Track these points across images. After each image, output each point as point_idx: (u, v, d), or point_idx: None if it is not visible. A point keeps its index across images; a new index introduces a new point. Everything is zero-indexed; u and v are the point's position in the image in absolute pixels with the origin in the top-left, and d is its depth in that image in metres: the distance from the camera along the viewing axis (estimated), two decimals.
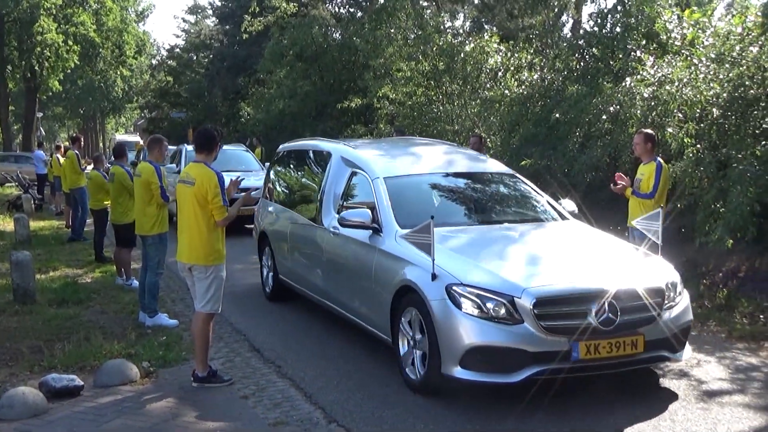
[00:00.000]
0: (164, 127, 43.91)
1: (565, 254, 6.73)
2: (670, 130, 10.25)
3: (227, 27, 40.84)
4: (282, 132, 24.26)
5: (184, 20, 52.64)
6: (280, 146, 10.96)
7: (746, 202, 8.73)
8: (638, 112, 11.18)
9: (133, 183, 9.39)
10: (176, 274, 9.55)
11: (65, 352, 7.36)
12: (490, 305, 5.81)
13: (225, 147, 18.71)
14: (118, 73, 45.33)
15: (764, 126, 9.92)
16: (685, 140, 10.10)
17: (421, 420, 5.82)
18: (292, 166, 10.34)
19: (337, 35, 25.92)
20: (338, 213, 7.89)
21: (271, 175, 10.66)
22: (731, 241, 8.81)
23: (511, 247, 6.94)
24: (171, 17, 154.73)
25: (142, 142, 33.35)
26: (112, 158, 11.93)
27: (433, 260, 6.05)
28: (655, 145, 8.82)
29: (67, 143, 23.39)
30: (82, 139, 20.52)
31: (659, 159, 8.70)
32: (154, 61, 53.72)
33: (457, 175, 8.30)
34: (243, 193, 7.21)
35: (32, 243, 15.07)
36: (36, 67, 36.46)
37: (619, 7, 14.59)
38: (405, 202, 7.45)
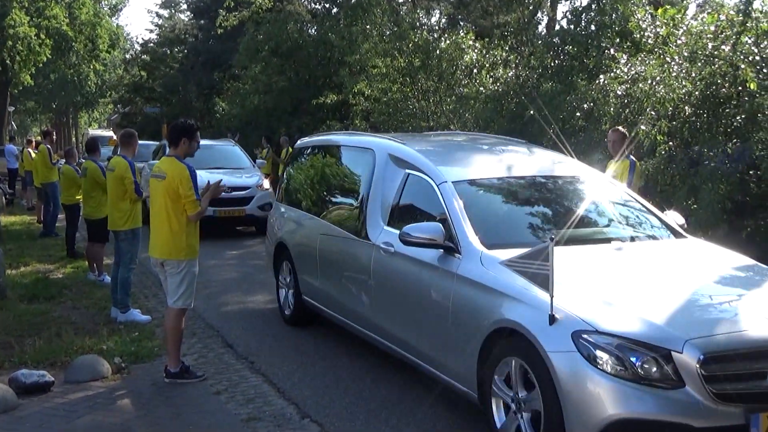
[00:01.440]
0: (138, 122, 43.58)
1: (717, 289, 5.22)
2: (643, 127, 10.32)
3: (202, 22, 40.61)
4: (257, 128, 24.17)
5: (158, 14, 52.26)
6: (300, 141, 9.63)
7: (717, 199, 8.82)
8: (612, 109, 11.27)
9: (105, 178, 9.30)
10: (149, 270, 9.48)
11: (36, 348, 7.28)
12: (637, 362, 4.33)
13: (211, 142, 18.23)
14: (91, 67, 44.84)
15: (736, 124, 10.03)
16: (658, 138, 10.18)
17: (395, 414, 5.82)
18: (317, 164, 8.59)
19: (313, 31, 25.85)
20: (389, 225, 6.46)
21: (289, 175, 9.26)
22: (702, 238, 8.90)
23: (642, 277, 5.28)
24: (144, 11, 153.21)
25: (115, 137, 33.09)
26: (85, 153, 11.80)
27: (552, 297, 4.57)
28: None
29: (39, 138, 23.11)
30: (54, 133, 20.30)
31: (632, 157, 8.83)
32: (127, 56, 53.29)
33: (543, 179, 6.61)
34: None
35: (3, 238, 14.87)
36: (7, 61, 36.01)
37: (593, 6, 14.67)
38: (484, 214, 5.98)
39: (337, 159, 8.29)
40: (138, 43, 55.52)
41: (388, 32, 19.41)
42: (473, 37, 18.19)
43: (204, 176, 13.66)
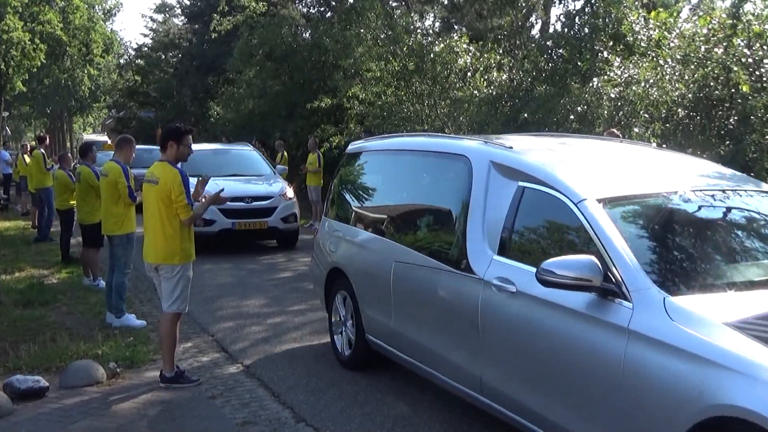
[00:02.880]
0: (132, 126, 43.56)
1: None
2: (636, 130, 10.38)
3: (196, 26, 40.57)
4: (252, 132, 24.17)
5: (152, 19, 52.21)
6: (352, 145, 8.05)
7: None
8: (605, 112, 11.32)
9: (99, 183, 9.29)
10: (144, 275, 9.47)
11: (30, 353, 7.27)
12: None
13: (227, 147, 17.56)
14: (86, 71, 44.81)
15: (729, 126, 10.07)
16: (652, 140, 10.22)
17: (390, 418, 5.83)
18: (384, 173, 7.21)
19: (307, 35, 25.87)
20: (502, 254, 5.02)
21: (340, 186, 7.80)
22: None
23: None
24: (139, 16, 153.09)
25: (110, 142, 33.05)
26: (79, 158, 11.80)
27: None
28: None
29: (33, 143, 23.08)
30: (48, 138, 20.29)
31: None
32: (122, 60, 53.24)
33: (725, 192, 5.05)
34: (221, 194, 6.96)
35: None
36: (2, 66, 35.97)
37: (586, 9, 14.73)
38: (653, 245, 4.55)
39: (413, 167, 6.61)
40: (132, 47, 55.50)
41: (382, 36, 19.42)
42: (467, 41, 18.23)
43: (220, 184, 13.26)
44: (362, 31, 20.03)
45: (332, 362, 7.28)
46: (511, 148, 5.48)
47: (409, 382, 6.49)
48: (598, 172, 5.10)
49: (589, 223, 4.44)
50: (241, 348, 7.82)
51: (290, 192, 14.60)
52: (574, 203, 4.60)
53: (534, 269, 4.37)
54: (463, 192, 5.51)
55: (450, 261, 5.45)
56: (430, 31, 23.15)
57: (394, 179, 6.96)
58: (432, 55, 17.56)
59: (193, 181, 6.67)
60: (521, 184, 5.08)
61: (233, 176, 14.55)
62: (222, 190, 6.98)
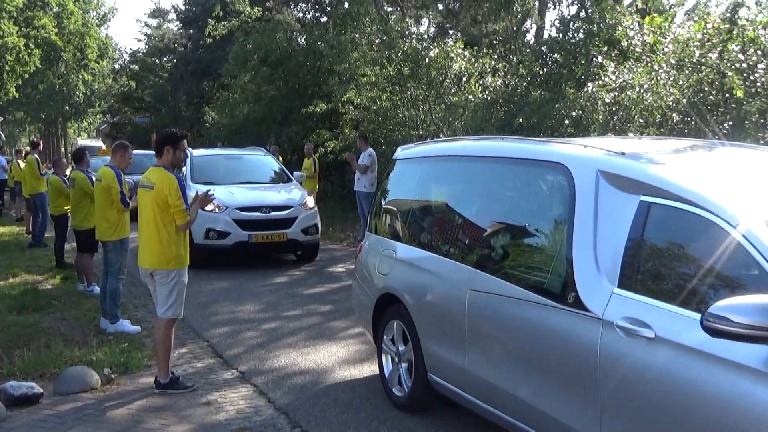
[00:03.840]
0: (127, 131, 43.49)
1: None
2: (631, 135, 10.38)
3: (191, 31, 40.57)
4: (246, 136, 24.15)
5: (147, 24, 52.19)
6: (403, 149, 6.94)
7: None
8: (600, 117, 11.33)
9: (93, 188, 9.26)
10: (139, 280, 9.44)
11: (24, 360, 7.24)
12: None
13: (240, 152, 16.31)
14: (80, 77, 44.74)
15: (723, 131, 10.09)
16: None
17: (386, 425, 5.81)
18: (447, 183, 6.11)
19: (302, 40, 25.87)
20: (625, 287, 4.01)
21: (388, 196, 6.88)
22: None
23: None
24: (134, 21, 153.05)
25: (105, 147, 33.00)
26: (73, 163, 11.76)
27: None
28: None
29: (28, 148, 23.05)
30: (42, 143, 20.24)
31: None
32: (116, 65, 53.18)
33: None
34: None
35: None
36: None
37: (581, 14, 14.76)
38: None
39: (489, 177, 5.50)
40: (127, 52, 55.37)
41: (377, 41, 19.45)
42: (462, 46, 18.26)
43: (235, 194, 12.88)
44: (357, 36, 20.06)
45: (327, 367, 7.26)
46: (623, 154, 4.40)
47: None
48: (747, 186, 4.03)
49: (761, 253, 3.42)
50: (236, 353, 7.80)
51: (311, 201, 13.57)
52: (732, 226, 3.57)
53: (679, 309, 3.63)
54: (562, 207, 4.49)
55: (549, 292, 4.39)
56: (425, 36, 23.16)
57: (465, 191, 5.78)
58: (427, 60, 17.58)
59: (198, 188, 6.59)
60: (645, 198, 4.04)
61: (247, 184, 13.83)
62: (209, 190, 6.88)
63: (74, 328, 8.74)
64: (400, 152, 6.91)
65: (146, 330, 8.44)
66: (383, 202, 6.89)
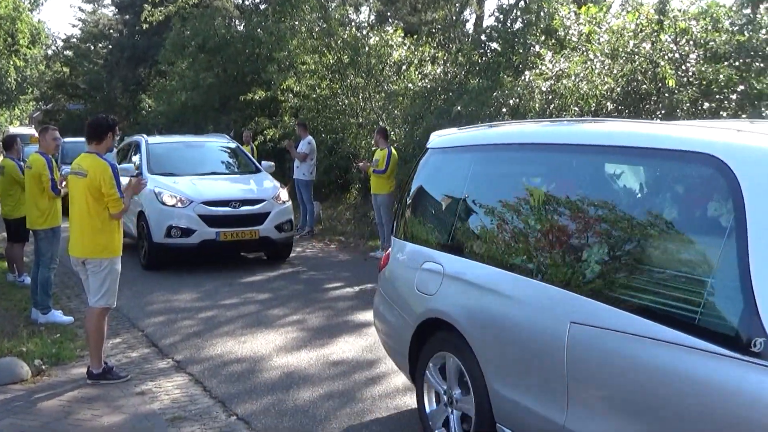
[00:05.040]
0: (61, 119, 42.43)
1: None
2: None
3: (126, 17, 39.74)
4: (184, 124, 23.79)
5: (81, 9, 50.94)
6: (440, 135, 5.59)
7: None
8: (537, 105, 11.45)
9: (24, 176, 9.01)
10: (71, 269, 9.22)
11: None
12: None
13: (202, 139, 14.80)
14: (11, 63, 43.48)
15: (656, 120, 10.29)
16: None
17: (323, 409, 5.80)
18: (519, 179, 4.56)
19: (241, 27, 25.54)
20: None
21: (424, 194, 5.54)
22: None
23: None
24: (67, 6, 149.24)
25: (37, 135, 32.16)
26: (3, 151, 11.41)
27: None
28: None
29: None
30: None
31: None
32: (49, 51, 51.83)
33: None
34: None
35: None
36: None
37: (520, 3, 14.89)
38: None
39: (590, 172, 4.15)
40: (60, 38, 53.99)
41: (316, 29, 19.32)
42: (402, 34, 18.25)
43: (199, 186, 11.66)
44: (296, 23, 19.88)
45: (265, 355, 7.21)
46: None
47: (342, 374, 6.48)
48: None
49: None
50: (171, 343, 7.69)
51: (284, 194, 12.35)
52: None
53: None
54: (717, 216, 3.26)
55: (711, 334, 3.08)
56: (365, 24, 23.10)
57: (553, 189, 4.24)
58: (367, 48, 17.53)
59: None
60: None
61: (212, 174, 12.66)
62: (139, 174, 6.62)
63: (4, 319, 8.49)
64: (437, 139, 5.51)
65: (79, 320, 8.25)
66: (416, 201, 5.54)
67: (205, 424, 5.53)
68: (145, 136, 13.87)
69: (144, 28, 28.41)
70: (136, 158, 12.90)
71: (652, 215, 3.60)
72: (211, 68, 24.09)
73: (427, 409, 5.01)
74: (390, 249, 5.72)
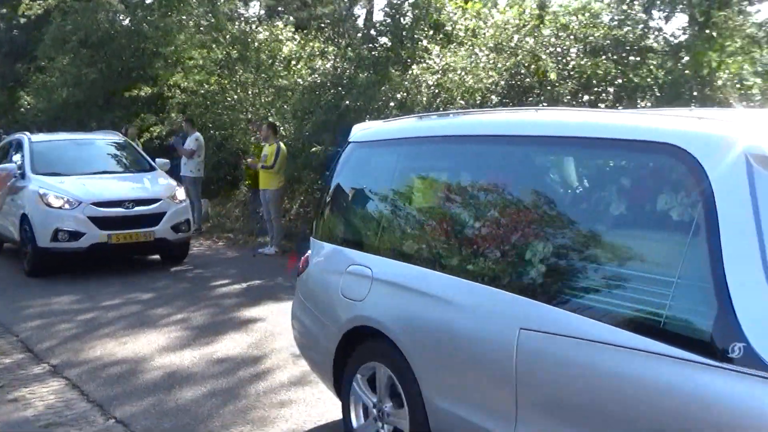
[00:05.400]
0: None
1: None
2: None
3: (3, 10, 38.03)
4: (66, 122, 22.91)
5: None
6: (362, 129, 5.15)
7: None
8: (424, 99, 11.53)
9: None
10: None
11: None
12: None
13: (91, 136, 13.94)
14: None
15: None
16: None
17: (205, 408, 5.65)
18: (461, 173, 4.24)
19: (126, 21, 24.79)
20: None
21: (350, 191, 5.16)
22: None
23: None
24: None
25: None
26: None
27: None
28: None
29: None
30: None
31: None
32: None
33: None
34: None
35: None
36: None
37: None
38: None
39: (535, 165, 3.88)
40: None
41: (204, 23, 18.93)
42: (292, 29, 18.09)
43: (89, 186, 11.01)
44: (184, 18, 19.44)
45: (146, 356, 6.98)
46: None
47: (224, 372, 6.34)
48: None
49: None
50: (48, 347, 7.35)
51: (181, 193, 11.84)
52: None
53: None
54: (681, 211, 2.96)
55: (679, 339, 2.79)
56: (255, 19, 22.79)
57: (490, 185, 3.91)
58: (256, 44, 17.29)
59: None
60: None
61: (103, 173, 11.95)
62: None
63: None
64: (360, 132, 5.07)
65: None
66: (338, 199, 5.16)
67: (81, 429, 5.30)
68: (27, 133, 12.99)
69: (22, 22, 27.21)
70: (17, 157, 12.08)
71: (606, 211, 3.33)
72: (94, 64, 23.29)
73: (354, 424, 4.55)
74: (308, 252, 5.23)
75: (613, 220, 3.29)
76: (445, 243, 4.09)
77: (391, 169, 4.67)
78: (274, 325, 7.93)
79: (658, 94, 10.76)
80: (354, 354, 4.54)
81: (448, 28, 13.42)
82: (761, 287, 2.61)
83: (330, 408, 5.46)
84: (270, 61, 17.35)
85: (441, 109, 11.12)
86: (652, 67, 11.22)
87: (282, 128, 14.56)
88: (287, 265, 10.18)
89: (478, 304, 3.70)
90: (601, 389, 3.03)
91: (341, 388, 4.67)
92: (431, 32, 13.76)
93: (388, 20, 14.93)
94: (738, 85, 10.65)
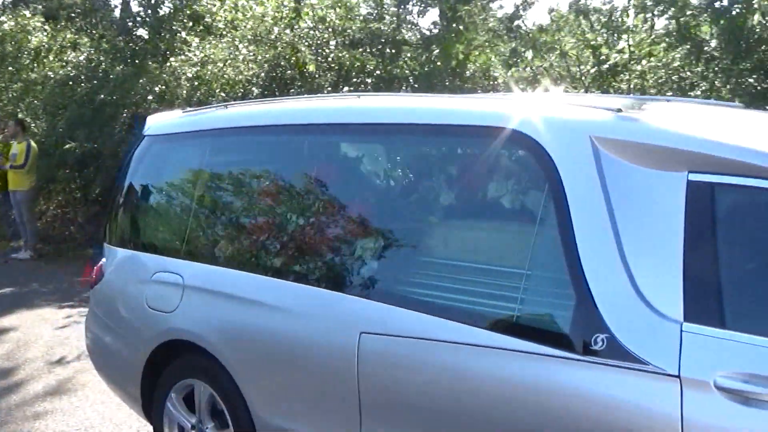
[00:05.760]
0: None
1: None
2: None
3: None
4: None
5: None
6: (157, 123, 4.51)
7: None
8: (184, 92, 11.30)
9: None
10: None
11: None
12: None
13: None
14: None
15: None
16: None
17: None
18: (284, 167, 3.76)
19: None
20: (705, 321, 2.36)
21: (150, 190, 4.55)
22: None
23: None
24: None
25: None
26: None
27: None
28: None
29: None
30: None
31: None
32: None
33: None
34: None
35: None
36: None
37: None
38: None
39: (370, 158, 3.59)
40: None
41: None
42: (42, 19, 16.98)
43: None
44: None
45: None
46: (620, 111, 2.73)
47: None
48: None
49: None
50: None
51: None
52: None
53: None
54: (527, 199, 2.90)
55: (534, 333, 2.64)
56: None
57: (313, 178, 3.58)
58: (1, 34, 16.10)
59: None
60: (700, 178, 2.48)
61: None
62: None
63: None
64: (157, 124, 4.47)
65: None
66: (134, 200, 4.55)
67: None
68: None
69: None
70: None
71: (445, 203, 3.16)
72: None
73: None
74: (102, 260, 4.60)
75: (454, 211, 3.14)
76: (269, 244, 3.64)
77: (197, 164, 4.15)
78: (27, 334, 7.46)
79: (415, 85, 11.24)
80: (166, 371, 4.01)
81: (208, 19, 13.22)
82: (619, 274, 2.50)
83: (90, 416, 5.24)
84: (17, 53, 16.21)
85: (201, 101, 10.94)
86: (407, 59, 11.68)
87: (33, 125, 13.67)
88: (81, 278, 9.59)
89: (313, 308, 3.31)
90: (451, 391, 2.79)
91: (152, 410, 4.12)
92: (190, 24, 13.51)
93: (148, 11, 14.49)
94: (485, 76, 11.38)
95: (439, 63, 11.06)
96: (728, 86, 8.99)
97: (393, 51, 11.62)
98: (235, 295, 3.63)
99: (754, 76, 9.23)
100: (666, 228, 2.49)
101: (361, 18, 11.88)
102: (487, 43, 11.62)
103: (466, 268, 2.93)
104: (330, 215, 3.43)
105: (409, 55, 11.96)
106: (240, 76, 10.87)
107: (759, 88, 8.94)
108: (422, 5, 12.42)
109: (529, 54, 10.31)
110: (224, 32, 12.67)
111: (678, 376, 2.32)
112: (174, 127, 4.38)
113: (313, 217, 3.48)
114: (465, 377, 2.74)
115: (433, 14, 12.50)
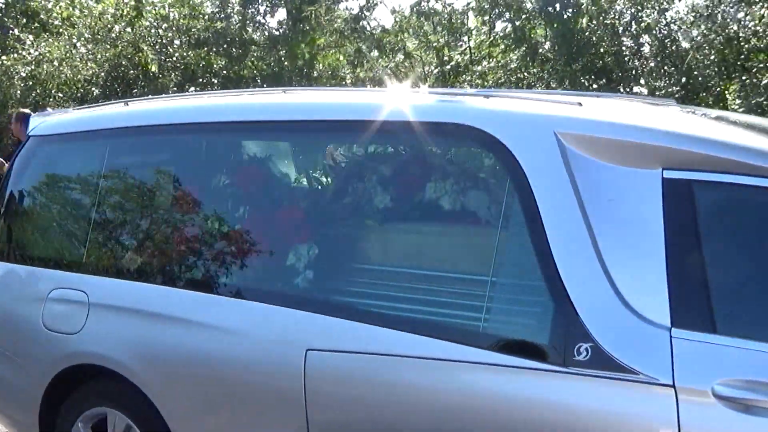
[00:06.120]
0: None
1: None
2: (50, 109, 10.09)
3: None
4: None
5: None
6: (45, 122, 3.74)
7: None
8: (18, 92, 10.79)
9: None
10: None
11: None
12: None
13: None
14: None
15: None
16: None
17: None
18: (184, 177, 3.40)
19: None
20: (697, 326, 2.19)
21: (40, 197, 3.91)
22: None
23: None
24: None
25: None
26: None
27: None
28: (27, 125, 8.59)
29: None
30: None
31: None
32: None
33: None
34: None
35: None
36: None
37: None
38: None
39: (284, 159, 3.39)
40: None
41: None
42: None
43: None
44: None
45: None
46: (580, 105, 2.60)
47: None
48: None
49: None
50: None
51: None
52: None
53: None
54: (492, 200, 2.64)
55: (506, 345, 2.42)
56: None
57: (226, 181, 3.30)
58: None
59: None
60: (676, 175, 2.35)
61: None
62: None
63: None
64: (45, 123, 3.81)
65: None
66: (19, 209, 3.95)
67: None
68: None
69: None
70: None
71: (395, 207, 2.84)
72: None
73: None
74: None
75: (407, 216, 2.85)
76: (190, 254, 3.24)
77: (96, 167, 3.62)
78: None
79: (263, 86, 11.18)
80: (70, 399, 3.50)
81: (43, 16, 12.67)
82: (599, 279, 2.30)
83: None
84: None
85: (38, 102, 10.47)
86: (254, 59, 11.61)
87: None
88: None
89: (251, 325, 2.91)
90: (412, 408, 2.51)
91: None
92: (24, 21, 12.90)
93: None
94: (331, 75, 11.49)
95: (286, 63, 11.06)
96: (562, 87, 9.49)
97: (240, 51, 11.51)
98: (154, 313, 3.17)
99: (586, 77, 9.80)
100: (644, 229, 2.32)
101: (206, 17, 11.68)
102: (333, 44, 11.72)
103: (421, 276, 2.68)
104: (260, 219, 3.08)
105: (256, 54, 11.89)
106: (78, 76, 10.46)
107: (591, 88, 9.50)
108: (270, 5, 12.37)
109: (374, 54, 10.49)
110: (61, 30, 12.17)
111: (672, 386, 2.15)
112: (65, 126, 3.80)
113: (239, 222, 3.11)
114: (425, 393, 2.48)
115: (282, 14, 12.49)
